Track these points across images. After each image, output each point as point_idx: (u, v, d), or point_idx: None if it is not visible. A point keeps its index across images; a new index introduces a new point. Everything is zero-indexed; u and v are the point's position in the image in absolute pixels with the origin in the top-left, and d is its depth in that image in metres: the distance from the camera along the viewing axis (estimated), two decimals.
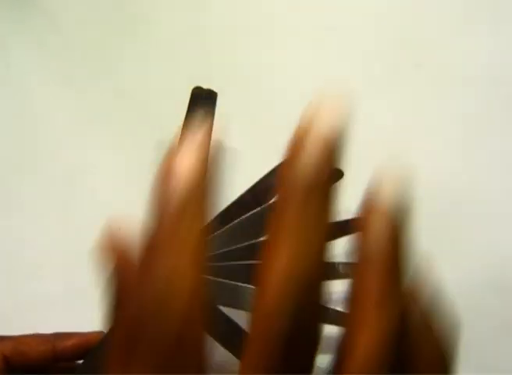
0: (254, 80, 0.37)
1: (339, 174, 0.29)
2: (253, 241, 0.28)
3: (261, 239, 0.29)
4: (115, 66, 0.37)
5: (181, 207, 0.13)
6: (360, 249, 0.14)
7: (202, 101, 0.29)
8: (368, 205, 0.14)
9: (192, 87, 0.28)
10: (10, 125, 0.37)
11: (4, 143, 0.37)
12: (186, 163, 0.14)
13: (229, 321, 0.27)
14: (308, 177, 0.13)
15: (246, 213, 0.29)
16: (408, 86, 0.36)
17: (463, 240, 0.35)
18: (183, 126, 0.29)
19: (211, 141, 0.15)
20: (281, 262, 0.13)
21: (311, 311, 0.13)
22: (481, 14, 0.35)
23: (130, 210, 0.35)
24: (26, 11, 0.37)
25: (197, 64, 0.37)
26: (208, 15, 0.37)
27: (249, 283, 0.27)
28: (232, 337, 0.27)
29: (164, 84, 0.32)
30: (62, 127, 0.36)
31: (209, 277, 0.27)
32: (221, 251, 0.28)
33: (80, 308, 0.35)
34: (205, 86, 0.35)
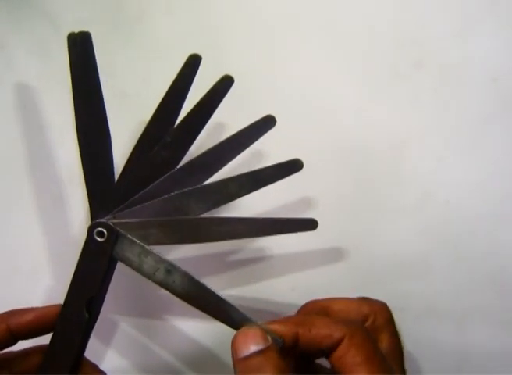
0: (253, 79, 0.37)
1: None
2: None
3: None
4: (115, 66, 0.37)
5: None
6: None
7: (78, 46, 0.29)
8: None
9: None
10: (10, 125, 0.37)
11: (3, 143, 0.37)
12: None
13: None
14: None
15: None
16: (408, 86, 0.36)
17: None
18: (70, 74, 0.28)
19: None
20: None
21: None
22: (482, 14, 0.35)
23: None
24: (25, 11, 0.37)
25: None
26: (208, 14, 0.37)
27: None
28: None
29: (164, 85, 0.32)
30: (61, 127, 0.36)
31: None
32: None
33: None
34: (205, 86, 0.35)
